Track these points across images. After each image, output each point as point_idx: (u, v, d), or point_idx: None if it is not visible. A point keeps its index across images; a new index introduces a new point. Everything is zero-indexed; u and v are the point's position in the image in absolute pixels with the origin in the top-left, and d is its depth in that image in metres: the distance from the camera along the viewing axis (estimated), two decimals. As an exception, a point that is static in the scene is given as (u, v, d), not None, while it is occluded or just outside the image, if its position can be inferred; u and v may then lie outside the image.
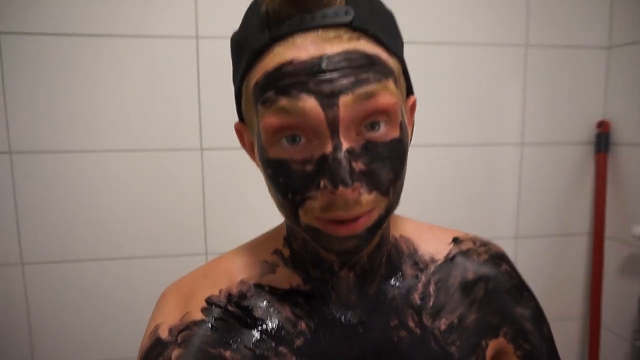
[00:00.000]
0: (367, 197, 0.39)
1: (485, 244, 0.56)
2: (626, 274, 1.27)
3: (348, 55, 0.37)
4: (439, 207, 1.25)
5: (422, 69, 1.18)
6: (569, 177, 1.31)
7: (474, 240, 0.56)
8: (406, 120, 0.43)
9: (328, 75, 0.37)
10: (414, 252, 0.52)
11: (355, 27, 0.38)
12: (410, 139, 0.48)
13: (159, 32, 1.07)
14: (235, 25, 0.46)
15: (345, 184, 0.36)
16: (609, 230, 1.30)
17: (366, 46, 0.38)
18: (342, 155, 0.37)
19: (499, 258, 0.54)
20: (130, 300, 1.13)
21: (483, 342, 0.50)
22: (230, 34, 0.46)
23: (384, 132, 0.39)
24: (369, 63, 0.38)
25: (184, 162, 1.12)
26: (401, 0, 1.12)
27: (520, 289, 0.54)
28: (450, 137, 1.23)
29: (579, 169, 1.31)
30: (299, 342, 0.46)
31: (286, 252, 0.49)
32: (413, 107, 0.48)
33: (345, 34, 0.38)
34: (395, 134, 0.40)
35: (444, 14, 1.18)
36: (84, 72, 1.05)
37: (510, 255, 1.28)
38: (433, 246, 0.53)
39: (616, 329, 1.30)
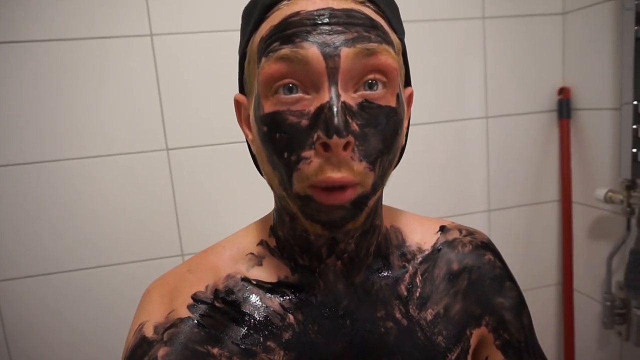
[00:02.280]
0: (357, 165, 0.39)
1: (470, 232, 0.56)
2: (594, 237, 1.31)
3: (353, 13, 0.39)
4: (409, 186, 1.26)
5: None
6: (535, 146, 1.34)
7: (460, 229, 0.56)
8: (404, 100, 0.44)
9: (332, 27, 0.38)
10: (402, 243, 0.52)
11: None
12: (407, 133, 0.50)
13: (114, 32, 1.04)
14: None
15: (339, 134, 0.36)
16: (576, 195, 1.34)
17: (371, 12, 0.40)
18: (338, 104, 0.37)
19: (483, 248, 0.55)
20: (113, 307, 1.12)
21: (467, 331, 0.51)
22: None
23: (381, 94, 0.40)
24: (372, 25, 0.40)
25: (152, 164, 1.10)
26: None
27: (501, 279, 0.54)
28: (415, 115, 1.24)
29: (544, 137, 1.34)
30: (287, 335, 0.46)
31: (272, 242, 0.49)
32: (410, 99, 0.48)
33: None
34: (391, 101, 0.41)
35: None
36: (44, 79, 1.02)
37: (484, 228, 1.33)
38: (420, 236, 0.53)
39: (588, 291, 1.35)
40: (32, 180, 1.05)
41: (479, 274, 0.53)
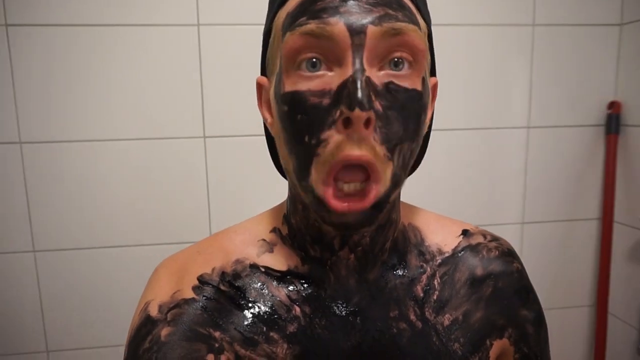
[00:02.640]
0: (378, 147, 0.37)
1: (495, 239, 0.53)
2: (634, 259, 1.25)
3: None
4: (443, 192, 1.24)
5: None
6: (577, 160, 1.28)
7: (484, 234, 0.53)
8: (429, 86, 0.42)
9: (360, 5, 0.37)
10: (420, 242, 0.50)
11: None
12: (430, 128, 0.48)
13: (162, 20, 1.07)
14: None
15: (361, 106, 0.35)
16: (618, 214, 1.27)
17: None
18: (362, 78, 0.36)
19: (510, 255, 0.52)
20: (135, 287, 1.16)
21: (488, 342, 0.48)
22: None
23: (407, 74, 0.39)
24: (400, 5, 0.39)
25: (188, 150, 1.13)
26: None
27: (527, 291, 0.52)
28: (455, 120, 1.22)
29: (588, 152, 1.28)
30: (292, 328, 0.44)
31: (284, 230, 0.48)
32: (435, 90, 0.46)
33: None
34: (417, 84, 0.39)
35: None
36: (90, 63, 1.07)
37: (516, 240, 1.29)
38: (441, 237, 0.51)
39: (623, 315, 1.28)
40: (78, 157, 1.10)
41: (504, 282, 0.50)
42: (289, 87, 0.39)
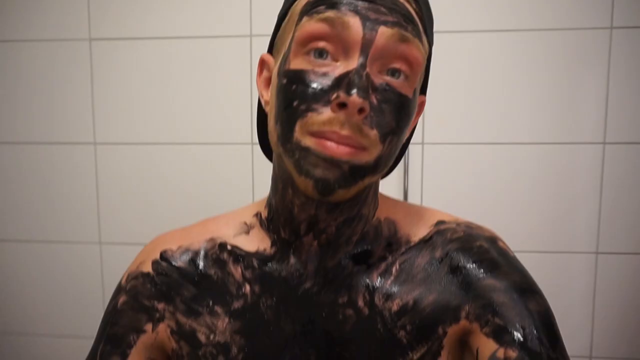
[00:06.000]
0: (368, 131, 0.39)
1: (470, 226, 0.49)
2: None
3: (398, 3, 0.41)
4: (499, 211, 1.13)
5: (490, 57, 1.09)
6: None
7: (459, 222, 0.50)
8: (417, 100, 0.45)
9: (378, 7, 0.40)
10: (393, 234, 0.48)
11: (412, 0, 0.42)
12: (410, 139, 0.51)
13: (218, 32, 1.15)
14: None
15: (359, 93, 0.37)
16: None
17: (412, 11, 0.42)
18: (364, 73, 0.39)
19: (477, 236, 0.48)
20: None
21: (440, 329, 0.44)
22: None
23: (401, 83, 0.41)
24: (411, 20, 0.41)
25: (236, 155, 1.18)
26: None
27: (494, 262, 0.45)
28: (515, 134, 1.12)
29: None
30: (237, 304, 0.46)
31: (264, 213, 0.50)
32: (421, 107, 0.48)
33: None
34: (408, 91, 0.42)
35: None
36: (157, 73, 1.17)
37: (589, 273, 1.13)
38: (414, 229, 0.49)
39: None
40: (129, 158, 1.20)
41: (461, 259, 0.46)
42: (294, 65, 0.41)
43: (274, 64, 0.45)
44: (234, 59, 1.15)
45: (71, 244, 1.24)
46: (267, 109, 0.46)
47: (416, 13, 0.43)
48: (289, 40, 0.43)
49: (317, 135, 0.39)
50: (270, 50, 0.48)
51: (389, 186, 1.14)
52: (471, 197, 1.14)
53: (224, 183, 1.19)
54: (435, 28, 0.49)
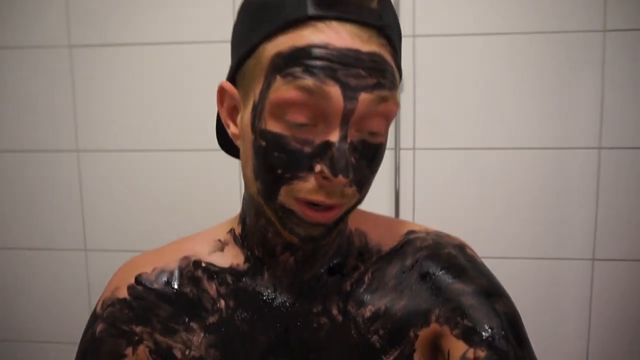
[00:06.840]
0: (348, 190, 0.40)
1: (439, 235, 0.52)
2: None
3: (375, 58, 0.39)
4: (494, 219, 1.11)
5: (482, 61, 1.07)
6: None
7: (428, 232, 0.52)
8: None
9: (358, 71, 0.38)
10: (364, 245, 0.50)
11: (384, 34, 0.40)
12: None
13: (199, 38, 1.12)
14: None
15: (344, 174, 0.38)
16: None
17: (387, 55, 0.40)
18: (346, 146, 0.39)
19: (445, 244, 0.50)
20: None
21: (411, 333, 0.46)
22: None
23: (377, 137, 0.42)
24: (386, 71, 0.40)
25: (221, 162, 1.15)
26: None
27: (462, 267, 0.48)
28: (512, 139, 1.09)
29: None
30: (212, 319, 0.47)
31: (238, 230, 0.50)
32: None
33: (376, 38, 0.39)
34: (383, 139, 0.42)
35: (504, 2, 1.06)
36: (139, 79, 1.14)
37: (586, 280, 1.10)
38: (385, 239, 0.51)
39: None
40: (113, 165, 1.18)
41: (430, 266, 0.48)
42: (271, 127, 0.40)
43: (241, 102, 0.43)
44: (218, 64, 1.12)
45: (56, 251, 1.22)
46: (237, 143, 0.45)
47: (390, 53, 0.41)
48: (259, 90, 0.40)
49: (303, 202, 0.40)
50: (232, 79, 0.45)
51: (380, 193, 1.12)
52: (464, 204, 1.11)
53: (209, 189, 1.16)
54: (426, 32, 0.47)
